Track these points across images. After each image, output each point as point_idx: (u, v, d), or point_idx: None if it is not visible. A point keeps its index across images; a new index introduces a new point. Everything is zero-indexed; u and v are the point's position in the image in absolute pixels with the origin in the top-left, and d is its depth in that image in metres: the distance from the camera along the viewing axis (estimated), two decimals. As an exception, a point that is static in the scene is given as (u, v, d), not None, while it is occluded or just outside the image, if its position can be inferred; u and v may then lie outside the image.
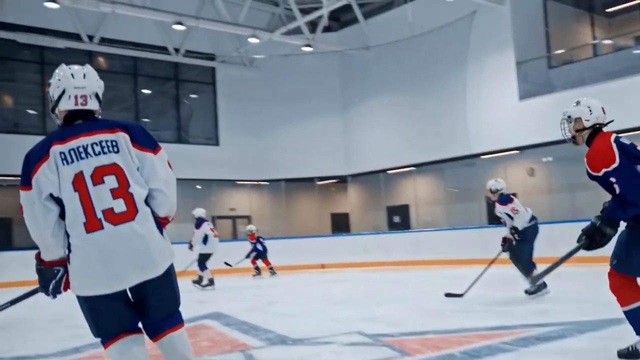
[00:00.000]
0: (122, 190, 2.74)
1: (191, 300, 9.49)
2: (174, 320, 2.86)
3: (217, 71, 21.43)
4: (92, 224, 2.67)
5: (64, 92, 2.87)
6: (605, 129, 3.90)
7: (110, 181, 2.73)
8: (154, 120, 21.18)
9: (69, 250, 2.72)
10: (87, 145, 2.76)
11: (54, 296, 2.84)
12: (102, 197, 2.70)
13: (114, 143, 2.80)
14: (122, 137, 2.83)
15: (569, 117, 3.99)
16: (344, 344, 4.74)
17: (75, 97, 2.86)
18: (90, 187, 2.71)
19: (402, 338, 4.93)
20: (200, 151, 20.70)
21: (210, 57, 21.14)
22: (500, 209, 7.64)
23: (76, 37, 18.47)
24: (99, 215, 2.68)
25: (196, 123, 21.72)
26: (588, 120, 3.92)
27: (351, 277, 13.67)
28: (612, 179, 3.61)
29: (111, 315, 2.75)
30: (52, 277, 2.80)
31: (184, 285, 12.61)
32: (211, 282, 12.07)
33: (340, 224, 22.52)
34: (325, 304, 7.92)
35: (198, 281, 12.26)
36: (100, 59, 19.74)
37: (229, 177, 21.12)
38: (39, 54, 18.27)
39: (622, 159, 3.60)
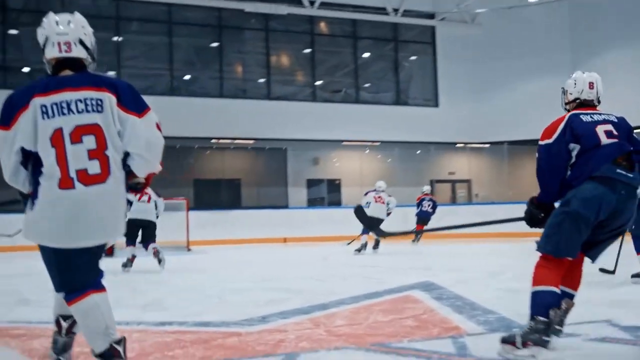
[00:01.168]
0: (99, 152, 2.72)
1: (393, 268, 9.41)
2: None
3: (437, 30, 20.79)
4: (65, 182, 2.67)
5: (47, 39, 2.81)
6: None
7: (89, 141, 2.70)
8: (374, 84, 21.15)
9: (35, 196, 2.71)
10: (70, 101, 2.71)
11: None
12: (79, 156, 2.69)
13: (98, 102, 2.74)
14: (108, 98, 2.76)
15: (562, 88, 3.91)
16: (590, 339, 3.88)
17: (59, 44, 2.79)
18: (68, 146, 2.68)
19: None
20: (419, 113, 20.33)
21: (430, 15, 20.50)
22: None
23: (298, 2, 18.92)
24: (72, 174, 2.67)
25: (415, 85, 21.35)
26: (571, 94, 3.83)
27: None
28: (537, 154, 3.58)
29: (74, 270, 2.75)
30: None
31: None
32: (364, 247, 12.28)
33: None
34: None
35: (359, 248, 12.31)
36: (322, 24, 20.09)
37: (448, 140, 20.54)
38: (264, 22, 19.05)
39: (561, 137, 3.48)
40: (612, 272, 6.25)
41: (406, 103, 20.66)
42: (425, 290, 6.30)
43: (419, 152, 21.44)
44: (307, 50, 19.85)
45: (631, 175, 3.35)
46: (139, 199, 9.26)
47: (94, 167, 2.71)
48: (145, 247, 9.25)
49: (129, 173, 2.90)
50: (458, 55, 20.55)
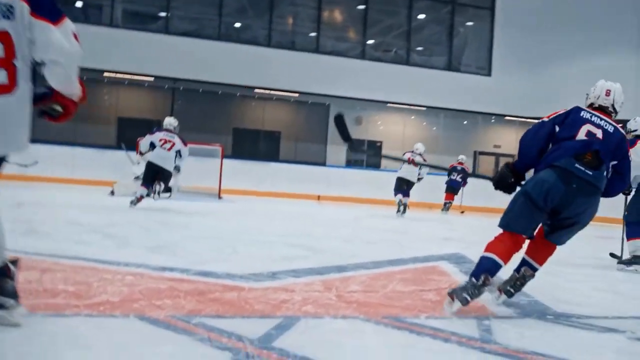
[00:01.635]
0: (7, 61, 2.56)
1: (425, 236, 8.93)
2: None
3: (497, -5, 19.81)
4: None
5: None
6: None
7: None
8: (427, 47, 20.35)
9: None
10: None
11: None
12: None
13: (10, 9, 2.54)
14: (20, 5, 2.55)
15: (586, 94, 4.16)
16: (635, 338, 3.37)
17: None
18: None
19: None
20: (470, 81, 19.53)
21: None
22: None
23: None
24: None
25: (469, 51, 20.45)
26: (589, 99, 4.07)
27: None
28: None
29: None
30: None
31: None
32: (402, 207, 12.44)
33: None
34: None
35: None
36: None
37: (498, 112, 19.73)
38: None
39: (556, 118, 3.78)
40: (619, 257, 6.56)
41: (458, 69, 19.79)
42: (454, 262, 5.84)
43: (465, 122, 20.71)
44: (361, 7, 19.12)
45: (590, 173, 3.54)
46: (162, 144, 9.49)
47: (1, 77, 2.55)
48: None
49: (43, 96, 2.72)
50: (517, 23, 19.55)
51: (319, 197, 16.91)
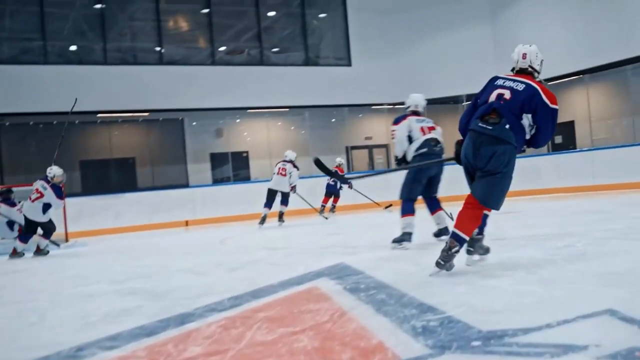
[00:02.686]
0: None
1: (306, 247, 7.62)
2: None
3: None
4: None
5: None
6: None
7: None
8: (282, 45, 19.06)
9: None
10: None
11: None
12: None
13: None
14: None
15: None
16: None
17: None
18: None
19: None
20: (331, 73, 18.55)
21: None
22: None
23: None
24: None
25: (326, 43, 19.42)
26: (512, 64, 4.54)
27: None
28: None
29: None
30: None
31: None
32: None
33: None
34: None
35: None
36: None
37: (364, 102, 18.78)
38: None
39: (476, 95, 4.44)
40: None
41: (316, 63, 18.74)
42: (336, 278, 4.57)
43: (333, 120, 19.68)
44: (205, 11, 17.55)
45: (490, 128, 4.13)
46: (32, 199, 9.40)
47: None
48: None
49: None
50: (370, 7, 18.82)
51: (186, 223, 15.28)
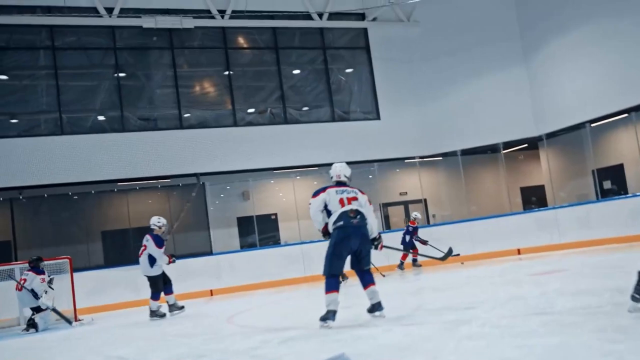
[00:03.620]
0: None
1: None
2: None
3: (370, 32, 18.25)
4: None
5: None
6: None
7: None
8: (305, 101, 18.31)
9: None
10: None
11: None
12: None
13: None
14: None
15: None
16: None
17: None
18: None
19: None
20: (360, 128, 17.74)
21: (360, 16, 18.09)
22: None
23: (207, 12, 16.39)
24: None
25: (353, 97, 18.60)
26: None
27: (564, 265, 9.98)
28: None
29: None
30: None
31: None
32: None
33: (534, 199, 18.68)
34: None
35: None
36: (240, 39, 17.51)
37: (395, 155, 17.81)
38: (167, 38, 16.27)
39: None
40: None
41: (343, 119, 17.93)
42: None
43: (370, 176, 18.53)
44: (226, 73, 16.99)
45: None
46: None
47: None
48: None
49: None
50: (396, 58, 18.14)
51: (211, 292, 14.40)
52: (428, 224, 18.45)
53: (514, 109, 17.30)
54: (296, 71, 18.10)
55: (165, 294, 9.87)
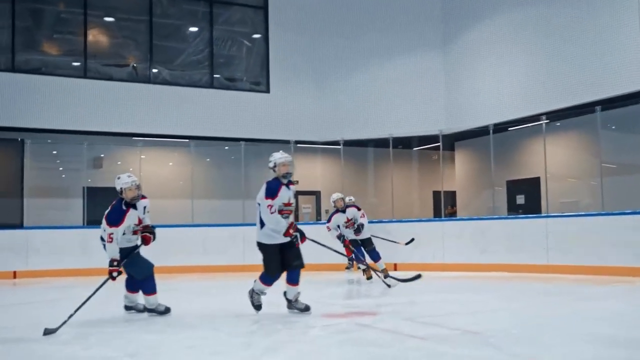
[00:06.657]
0: None
1: None
2: None
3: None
4: None
5: None
6: None
7: None
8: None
9: None
10: None
11: None
12: None
13: None
14: None
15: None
16: None
17: None
18: None
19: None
20: (245, 99, 15.09)
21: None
22: None
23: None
24: None
25: (239, 63, 15.83)
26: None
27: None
28: None
29: None
30: None
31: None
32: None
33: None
34: None
35: None
36: None
37: (285, 137, 14.90)
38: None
39: None
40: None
41: (226, 87, 15.17)
42: None
43: (233, 157, 15.51)
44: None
45: None
46: None
47: None
48: None
49: None
50: (298, 25, 15.63)
51: (14, 275, 11.74)
52: (317, 220, 15.95)
53: (427, 100, 15.12)
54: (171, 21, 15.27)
55: None
